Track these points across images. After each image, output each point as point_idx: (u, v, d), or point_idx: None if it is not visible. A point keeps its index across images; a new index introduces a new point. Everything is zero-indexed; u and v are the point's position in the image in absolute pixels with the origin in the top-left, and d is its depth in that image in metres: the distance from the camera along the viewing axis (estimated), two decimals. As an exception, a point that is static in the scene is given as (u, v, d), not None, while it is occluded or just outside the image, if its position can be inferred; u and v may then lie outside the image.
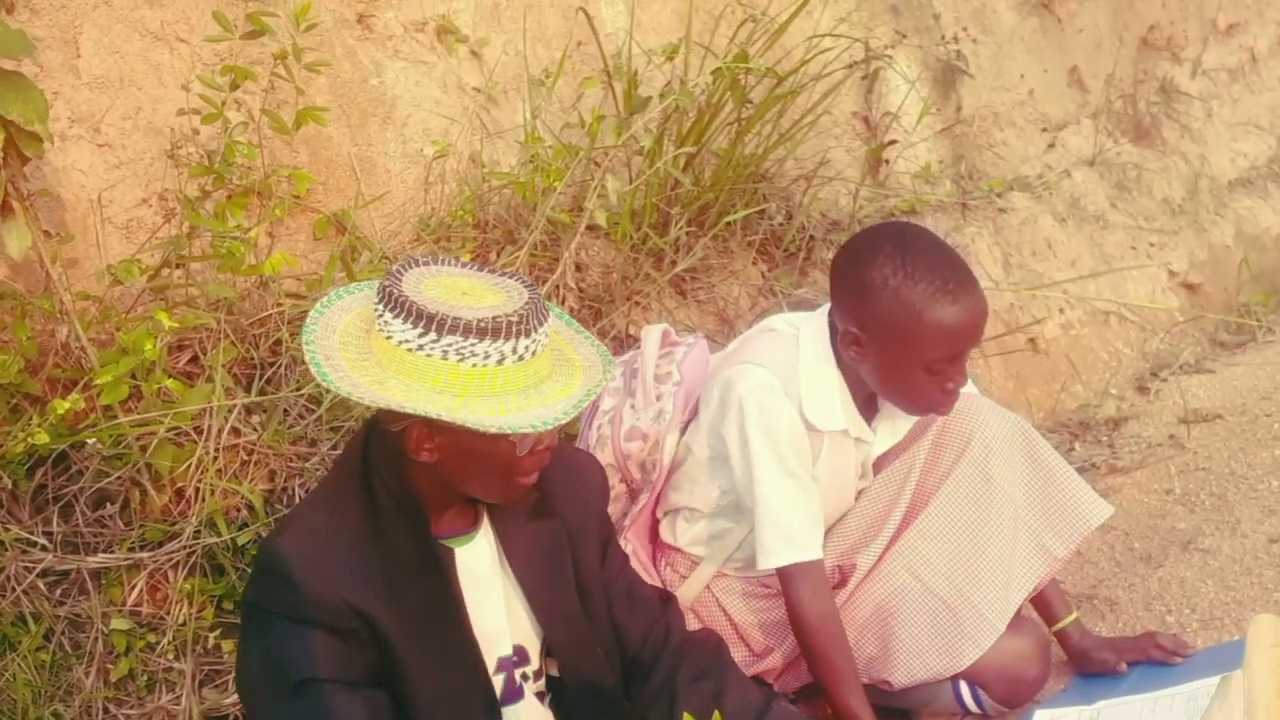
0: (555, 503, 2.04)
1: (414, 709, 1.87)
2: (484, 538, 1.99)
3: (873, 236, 2.32)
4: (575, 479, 2.11)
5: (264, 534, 2.44)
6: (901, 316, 2.18)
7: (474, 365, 1.75)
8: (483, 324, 1.75)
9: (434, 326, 1.75)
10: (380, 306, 1.79)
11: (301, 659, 1.80)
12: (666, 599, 2.24)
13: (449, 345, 1.75)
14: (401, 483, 1.89)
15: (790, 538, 2.28)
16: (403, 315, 1.76)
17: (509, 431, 1.77)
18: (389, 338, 1.78)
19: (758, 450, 2.28)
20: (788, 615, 2.31)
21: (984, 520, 2.37)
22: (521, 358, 1.78)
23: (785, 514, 2.28)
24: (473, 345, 1.75)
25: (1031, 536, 2.39)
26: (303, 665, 1.80)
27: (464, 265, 1.92)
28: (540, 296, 1.84)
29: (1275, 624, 1.92)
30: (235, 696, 2.36)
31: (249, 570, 2.45)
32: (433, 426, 1.80)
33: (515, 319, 1.77)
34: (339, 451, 2.57)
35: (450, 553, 1.92)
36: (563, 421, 1.79)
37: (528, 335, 1.78)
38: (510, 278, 1.89)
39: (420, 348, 1.75)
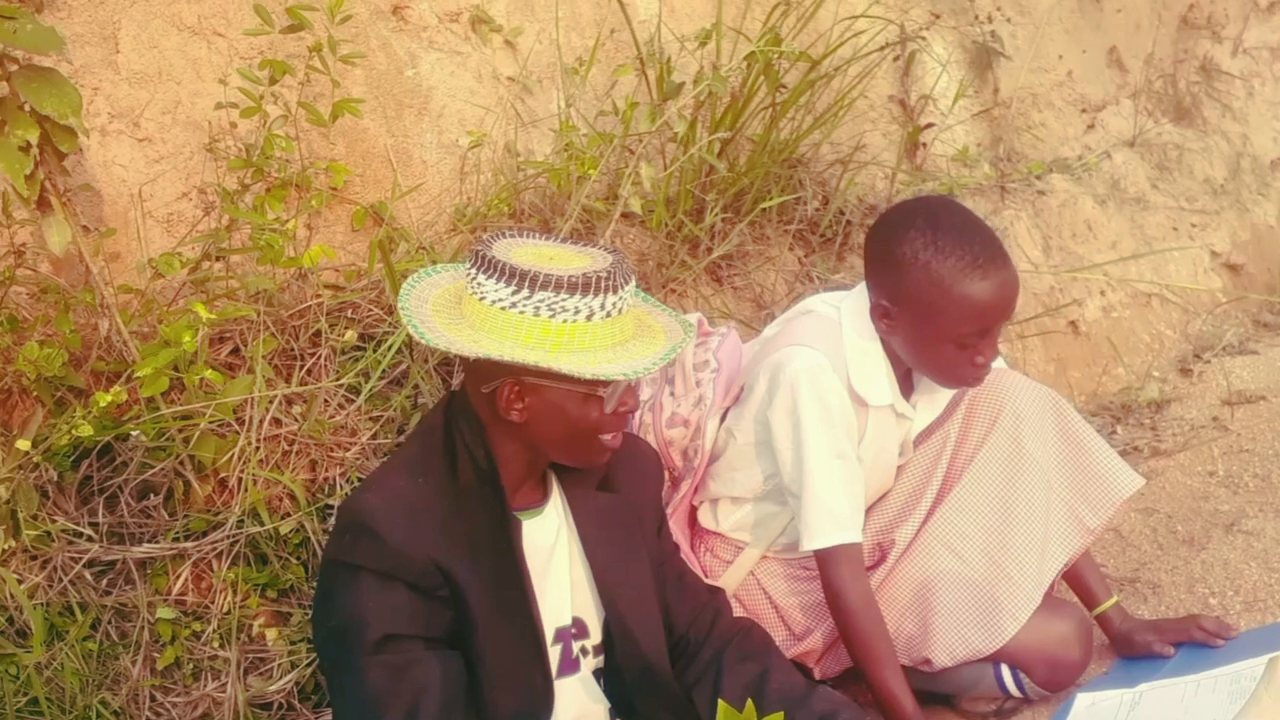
0: (618, 481, 2.10)
1: (482, 670, 1.91)
2: (553, 510, 2.04)
3: (905, 210, 2.33)
4: (637, 461, 2.16)
5: (305, 524, 2.46)
6: (931, 291, 2.20)
7: (564, 321, 1.82)
8: (573, 279, 1.82)
9: (526, 283, 1.82)
10: (473, 270, 1.87)
11: (385, 614, 1.85)
12: (714, 590, 2.27)
13: (540, 301, 1.82)
14: (486, 450, 1.93)
15: (836, 519, 2.28)
16: (495, 275, 1.84)
17: (602, 378, 1.83)
18: (481, 299, 1.85)
19: (810, 429, 2.28)
20: (826, 597, 2.31)
21: (1017, 490, 2.38)
22: (609, 314, 1.85)
23: (832, 495, 2.29)
24: (563, 300, 1.82)
25: (1065, 507, 2.40)
26: (385, 620, 1.84)
27: (547, 237, 2.00)
28: (624, 258, 1.91)
29: (1321, 605, 1.90)
30: (280, 684, 2.39)
31: (292, 559, 2.48)
32: (524, 385, 1.87)
33: (604, 274, 1.84)
34: (376, 440, 2.60)
35: (518, 524, 1.96)
36: (652, 371, 1.87)
37: (615, 292, 1.85)
38: (594, 247, 1.97)
39: (513, 305, 1.83)
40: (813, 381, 2.29)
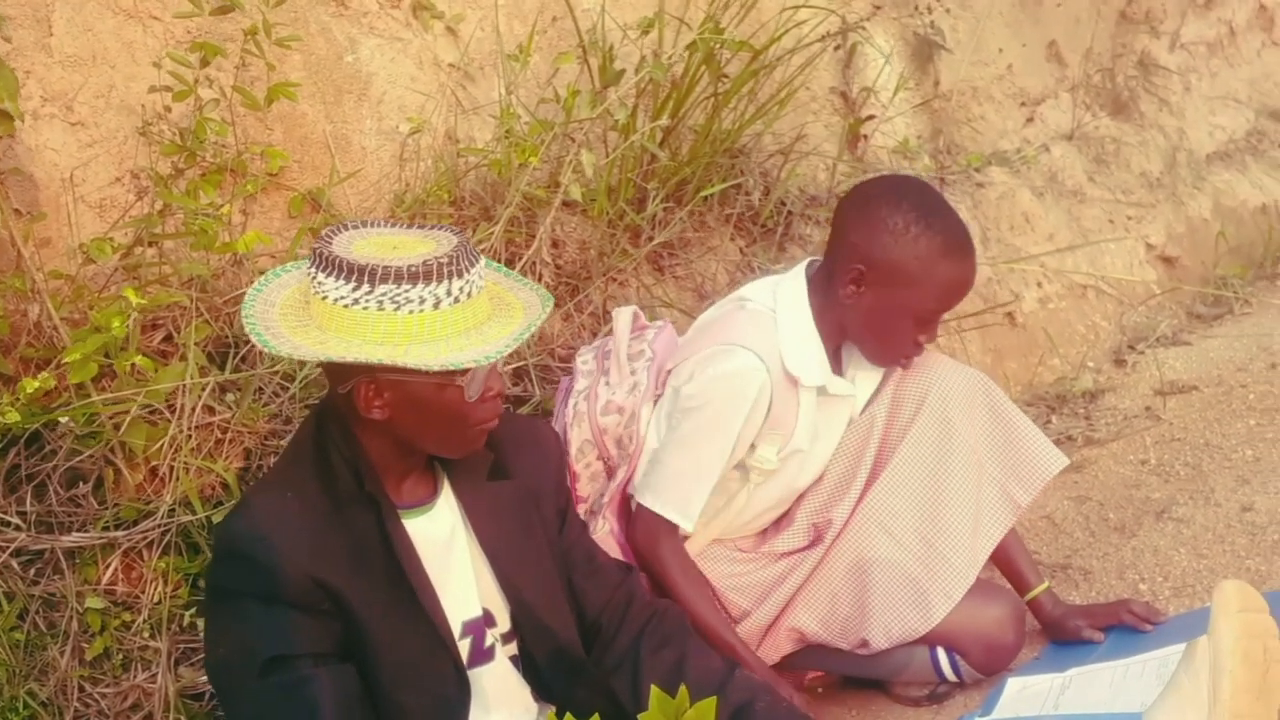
0: (511, 466, 2.06)
1: (381, 676, 1.88)
2: (445, 504, 2.01)
3: (896, 183, 2.45)
4: (531, 445, 2.12)
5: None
6: (914, 264, 2.27)
7: (410, 312, 1.77)
8: (414, 269, 1.77)
9: (366, 278, 1.77)
10: (313, 269, 1.82)
11: (269, 636, 1.81)
12: (627, 568, 2.25)
13: (383, 294, 1.77)
14: (356, 452, 1.89)
15: (686, 502, 2.35)
16: (335, 273, 1.78)
17: (450, 368, 1.78)
18: (324, 297, 1.80)
19: (712, 419, 2.32)
20: (636, 553, 2.40)
21: (947, 469, 2.42)
22: (457, 299, 1.80)
23: (696, 481, 2.34)
24: (406, 291, 1.77)
25: (996, 486, 2.45)
26: (271, 642, 1.81)
27: (393, 225, 1.94)
28: (468, 240, 1.86)
29: (1240, 589, 1.93)
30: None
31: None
32: (379, 381, 1.83)
33: (445, 260, 1.78)
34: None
35: (401, 524, 1.92)
36: (503, 354, 1.81)
37: (460, 276, 1.79)
38: (439, 229, 1.91)
39: (356, 301, 1.78)
40: (741, 382, 2.32)
